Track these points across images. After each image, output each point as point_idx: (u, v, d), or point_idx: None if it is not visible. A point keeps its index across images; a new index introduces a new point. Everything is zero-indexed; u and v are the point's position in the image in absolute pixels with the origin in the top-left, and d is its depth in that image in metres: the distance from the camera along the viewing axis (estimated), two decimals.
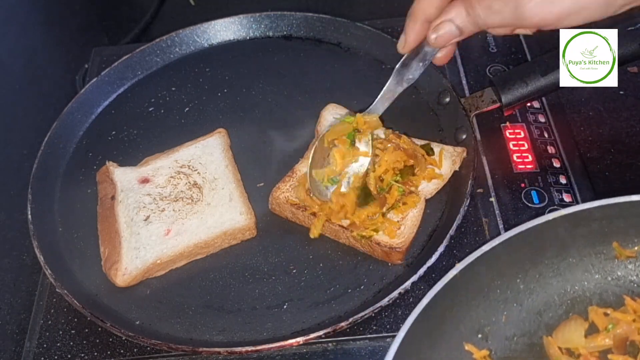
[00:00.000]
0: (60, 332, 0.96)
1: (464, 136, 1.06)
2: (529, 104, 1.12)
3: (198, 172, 1.07)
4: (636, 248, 0.82)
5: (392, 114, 1.07)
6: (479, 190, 1.04)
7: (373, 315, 0.90)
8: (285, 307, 0.94)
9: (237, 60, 1.27)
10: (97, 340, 0.94)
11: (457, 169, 1.03)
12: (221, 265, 0.99)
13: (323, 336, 0.88)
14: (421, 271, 0.92)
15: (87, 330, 0.95)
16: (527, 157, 1.07)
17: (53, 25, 1.44)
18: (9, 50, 1.27)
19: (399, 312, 0.93)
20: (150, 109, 1.21)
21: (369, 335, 0.91)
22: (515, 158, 1.07)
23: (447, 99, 1.12)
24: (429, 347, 0.75)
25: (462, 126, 1.07)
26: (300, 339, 0.88)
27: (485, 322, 0.81)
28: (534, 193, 1.03)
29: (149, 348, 0.92)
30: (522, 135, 1.10)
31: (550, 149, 1.08)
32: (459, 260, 0.95)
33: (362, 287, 0.95)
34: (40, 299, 1.00)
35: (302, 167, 1.04)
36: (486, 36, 1.26)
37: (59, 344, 0.95)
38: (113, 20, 1.55)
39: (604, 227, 0.81)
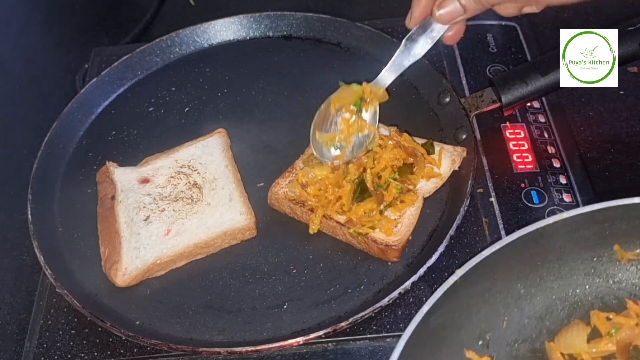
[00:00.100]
0: (60, 332, 0.96)
1: (464, 136, 1.06)
2: (529, 104, 1.12)
3: (198, 172, 1.07)
4: (638, 250, 0.82)
5: (392, 113, 1.07)
6: (479, 190, 1.04)
7: (373, 315, 0.90)
8: (285, 307, 0.94)
9: (237, 60, 1.27)
10: (97, 340, 0.94)
11: (456, 168, 1.03)
12: (221, 265, 0.99)
13: (323, 336, 0.88)
14: (421, 271, 0.92)
15: (87, 330, 0.95)
16: (527, 157, 1.07)
17: (53, 25, 1.44)
18: (9, 50, 1.27)
19: (399, 312, 0.93)
20: (150, 109, 1.21)
21: (369, 335, 0.91)
22: (515, 158, 1.07)
23: (447, 99, 1.12)
24: (429, 355, 0.75)
25: (462, 126, 1.07)
26: (300, 339, 0.88)
27: (486, 328, 0.80)
28: (534, 193, 1.03)
29: (149, 348, 0.92)
30: (522, 135, 1.10)
31: (550, 149, 1.08)
32: (459, 266, 0.95)
33: (362, 287, 0.95)
34: (40, 299, 1.00)
35: (301, 163, 1.04)
36: (486, 36, 1.26)
37: (59, 344, 0.94)
38: (113, 20, 1.55)
39: (605, 230, 0.80)
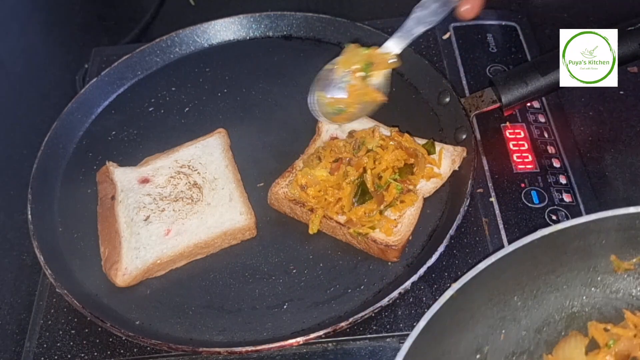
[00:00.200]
0: (60, 332, 0.96)
1: (464, 136, 1.06)
2: (529, 104, 1.12)
3: (198, 172, 1.07)
4: (634, 260, 0.81)
5: (392, 113, 1.07)
6: (479, 190, 1.04)
7: (373, 315, 0.90)
8: (285, 307, 0.94)
9: (237, 60, 1.27)
10: (97, 340, 0.94)
11: (456, 168, 1.03)
12: (221, 265, 0.99)
13: (323, 336, 0.88)
14: (421, 271, 0.91)
15: (87, 330, 0.95)
16: (527, 157, 1.07)
17: (53, 25, 1.44)
18: (9, 50, 1.27)
19: (399, 312, 0.93)
20: (150, 109, 1.21)
21: (369, 335, 0.91)
22: (515, 158, 1.07)
23: (447, 99, 1.12)
24: None
25: (462, 126, 1.07)
26: (300, 339, 0.88)
27: (483, 341, 0.79)
28: (534, 193, 1.03)
29: (149, 348, 0.92)
30: (522, 135, 1.10)
31: (550, 149, 1.08)
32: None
33: (362, 287, 0.95)
34: (40, 299, 1.00)
35: (301, 163, 1.04)
36: (486, 36, 1.26)
37: (59, 344, 0.94)
38: (113, 20, 1.55)
39: (600, 240, 0.79)
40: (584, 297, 0.82)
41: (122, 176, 1.06)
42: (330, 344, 0.91)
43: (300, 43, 1.29)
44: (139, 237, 0.99)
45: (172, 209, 1.02)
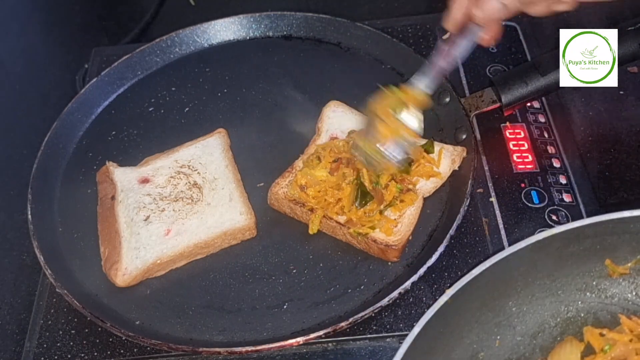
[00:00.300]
0: (60, 332, 0.96)
1: (464, 136, 1.06)
2: (529, 104, 1.12)
3: (198, 172, 1.07)
4: (629, 264, 0.81)
5: None
6: (479, 190, 1.04)
7: (373, 315, 0.90)
8: (285, 307, 0.94)
9: (237, 60, 1.27)
10: (97, 340, 0.94)
11: (456, 168, 1.03)
12: (221, 265, 0.99)
13: (323, 336, 0.88)
14: (421, 271, 0.92)
15: (87, 330, 0.95)
16: (527, 157, 1.07)
17: (53, 25, 1.44)
18: (9, 50, 1.27)
19: (399, 312, 0.93)
20: (150, 109, 1.21)
21: (369, 335, 0.91)
22: (515, 158, 1.07)
23: (447, 99, 1.12)
24: None
25: (462, 126, 1.07)
26: (300, 339, 0.88)
27: (478, 347, 0.79)
28: (534, 193, 1.03)
29: (149, 348, 0.92)
30: (522, 135, 1.10)
31: (550, 149, 1.08)
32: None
33: (362, 287, 0.95)
34: (40, 299, 1.00)
35: (300, 163, 1.04)
36: None
37: (59, 344, 0.95)
38: (113, 20, 1.55)
39: (595, 244, 0.79)
40: (580, 302, 0.82)
41: (122, 176, 1.06)
42: (330, 344, 0.91)
43: (300, 43, 1.29)
44: (139, 237, 0.99)
45: (172, 209, 1.02)
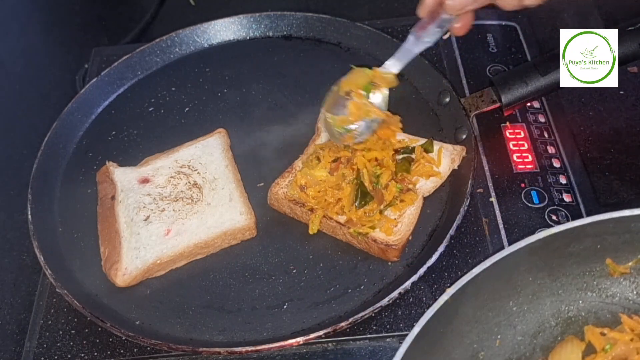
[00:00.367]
0: (60, 332, 0.96)
1: (464, 136, 1.06)
2: (529, 104, 1.12)
3: (198, 172, 1.07)
4: (630, 264, 0.81)
5: (392, 113, 1.07)
6: (479, 190, 1.04)
7: (373, 315, 0.90)
8: (285, 307, 0.94)
9: (237, 60, 1.27)
10: (97, 340, 0.94)
11: (456, 167, 1.03)
12: (221, 265, 0.99)
13: (323, 336, 0.88)
14: (421, 271, 0.92)
15: (87, 330, 0.95)
16: (527, 157, 1.07)
17: (53, 25, 1.44)
18: (9, 50, 1.27)
19: (399, 312, 0.93)
20: (150, 109, 1.21)
21: (369, 335, 0.91)
22: (515, 158, 1.07)
23: (447, 99, 1.12)
24: None
25: (462, 126, 1.07)
26: (300, 339, 0.88)
27: (478, 347, 0.79)
28: (534, 193, 1.03)
29: (149, 348, 0.92)
30: (522, 135, 1.10)
31: (550, 149, 1.08)
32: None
33: (362, 287, 0.95)
34: (40, 299, 1.00)
35: (300, 163, 1.04)
36: (486, 36, 1.26)
37: (59, 344, 0.95)
38: (113, 20, 1.55)
39: (596, 243, 0.79)
40: (580, 302, 0.82)
41: (122, 176, 1.06)
42: (330, 344, 0.91)
43: (300, 43, 1.29)
44: (139, 237, 0.99)
45: (172, 209, 1.02)
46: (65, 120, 1.16)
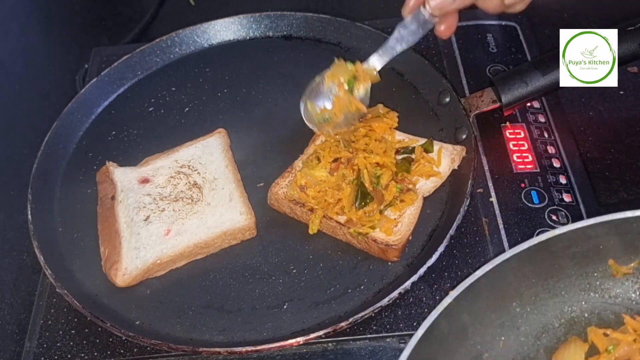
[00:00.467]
0: (60, 332, 0.96)
1: (464, 136, 1.06)
2: (529, 104, 1.12)
3: (198, 172, 1.07)
4: (632, 264, 0.81)
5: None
6: (479, 190, 1.04)
7: (373, 315, 0.90)
8: (285, 307, 0.94)
9: (237, 60, 1.27)
10: (97, 340, 0.94)
11: (456, 167, 1.03)
12: (221, 265, 0.99)
13: (323, 336, 0.88)
14: (421, 271, 0.91)
15: (87, 330, 0.95)
16: (527, 157, 1.07)
17: (53, 25, 1.44)
18: (9, 50, 1.27)
19: (399, 312, 0.93)
20: (150, 109, 1.21)
21: (369, 335, 0.91)
22: (515, 158, 1.07)
23: (447, 99, 1.12)
24: None
25: (462, 126, 1.07)
26: (300, 339, 0.88)
27: (482, 349, 0.79)
28: (534, 193, 1.03)
29: (149, 348, 0.92)
30: (522, 135, 1.10)
31: (550, 149, 1.08)
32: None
33: (362, 287, 0.95)
34: (40, 299, 1.00)
35: (300, 164, 1.04)
36: (486, 36, 1.26)
37: (59, 344, 0.94)
38: (113, 20, 1.55)
39: (598, 245, 0.79)
40: (583, 303, 0.82)
41: (122, 176, 1.06)
42: (330, 344, 0.91)
43: (300, 43, 1.29)
44: (139, 237, 0.99)
45: (172, 209, 1.02)
46: (65, 120, 1.16)
